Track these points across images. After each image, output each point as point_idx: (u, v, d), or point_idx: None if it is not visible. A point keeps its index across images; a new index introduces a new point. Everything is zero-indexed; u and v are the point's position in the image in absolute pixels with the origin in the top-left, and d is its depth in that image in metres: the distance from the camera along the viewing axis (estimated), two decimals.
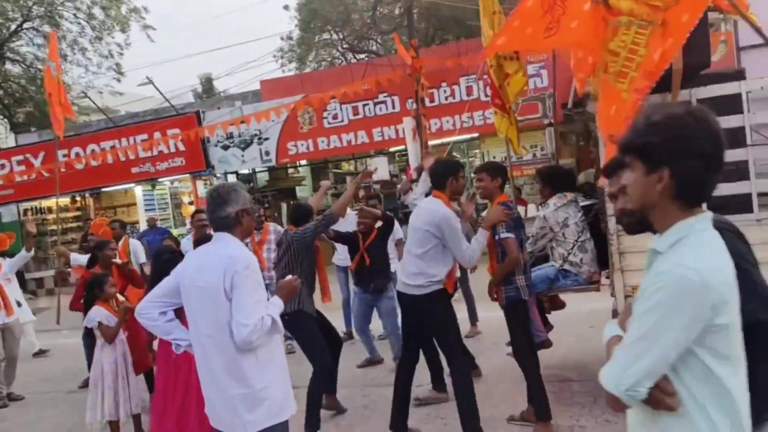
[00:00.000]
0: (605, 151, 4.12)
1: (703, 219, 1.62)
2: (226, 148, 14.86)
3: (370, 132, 13.74)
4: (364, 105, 13.65)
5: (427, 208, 4.43)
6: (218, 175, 14.93)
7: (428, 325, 4.50)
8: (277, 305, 2.86)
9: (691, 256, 1.54)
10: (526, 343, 4.47)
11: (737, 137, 4.19)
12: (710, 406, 1.54)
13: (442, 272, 4.39)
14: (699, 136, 1.56)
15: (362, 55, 23.33)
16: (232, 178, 15.09)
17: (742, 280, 1.61)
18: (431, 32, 22.16)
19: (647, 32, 3.56)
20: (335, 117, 14.01)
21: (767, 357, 1.74)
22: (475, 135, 13.57)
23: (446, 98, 12.99)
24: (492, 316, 4.68)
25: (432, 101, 12.33)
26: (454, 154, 15.21)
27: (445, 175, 4.51)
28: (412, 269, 4.37)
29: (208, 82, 28.18)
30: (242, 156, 14.78)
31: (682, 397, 1.56)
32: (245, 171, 15.44)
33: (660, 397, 1.56)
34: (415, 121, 9.52)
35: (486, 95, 6.97)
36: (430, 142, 11.13)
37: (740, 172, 4.21)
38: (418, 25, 21.20)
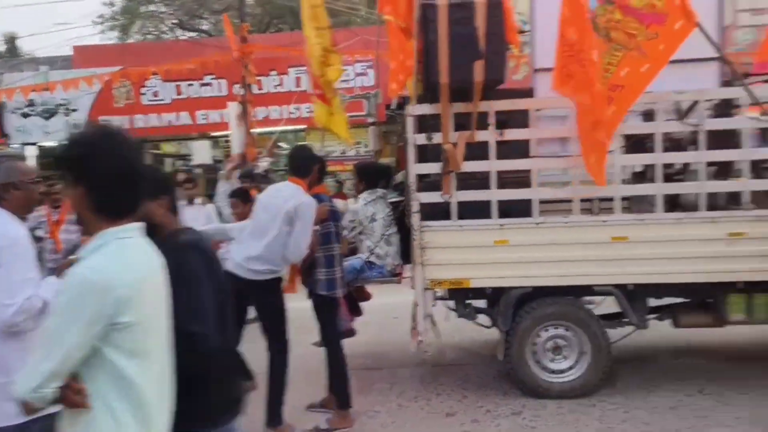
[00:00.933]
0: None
1: (126, 229, 1.73)
2: (26, 116, 13.28)
3: (194, 114, 13.15)
4: (188, 85, 13.02)
5: (287, 191, 4.25)
6: (14, 144, 13.28)
7: (262, 312, 4.37)
8: (53, 286, 2.60)
9: (99, 259, 1.64)
10: (327, 333, 4.55)
11: (524, 149, 4.66)
12: (116, 400, 1.62)
13: (285, 263, 4.31)
14: (107, 156, 1.69)
15: (192, 33, 22.17)
16: (31, 150, 13.49)
17: (180, 294, 1.87)
18: (267, 19, 21.74)
19: (620, 55, 4.08)
20: (156, 94, 13.18)
21: (195, 363, 1.96)
22: (302, 127, 13.56)
23: (275, 87, 12.85)
24: (298, 306, 4.70)
25: (260, 89, 12.13)
26: (280, 144, 15.08)
27: (310, 162, 4.38)
28: (253, 253, 4.18)
29: (10, 41, 24.92)
30: (45, 126, 13.29)
31: (93, 393, 1.62)
32: (49, 143, 13.91)
33: (69, 396, 1.61)
34: (241, 107, 9.25)
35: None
36: (256, 131, 10.91)
37: (524, 180, 4.68)
38: (254, 10, 20.69)
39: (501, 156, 4.63)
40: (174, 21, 22.75)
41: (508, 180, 4.69)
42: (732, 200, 4.65)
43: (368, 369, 5.71)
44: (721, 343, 5.71)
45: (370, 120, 9.42)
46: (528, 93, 5.11)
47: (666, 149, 4.58)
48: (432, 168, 4.75)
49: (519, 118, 4.65)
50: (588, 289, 4.76)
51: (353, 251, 5.37)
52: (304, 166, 4.38)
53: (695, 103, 4.66)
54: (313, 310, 4.58)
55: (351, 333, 5.05)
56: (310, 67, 6.20)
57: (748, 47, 9.65)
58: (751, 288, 4.57)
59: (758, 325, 4.87)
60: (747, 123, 4.53)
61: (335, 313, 4.59)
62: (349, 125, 6.27)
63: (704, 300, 4.85)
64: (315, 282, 4.46)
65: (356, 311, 5.45)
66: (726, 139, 4.56)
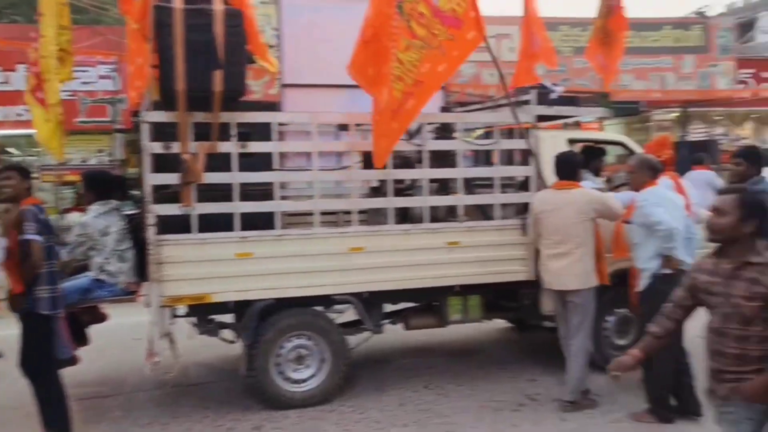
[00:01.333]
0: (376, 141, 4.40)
1: None
2: None
3: None
4: None
5: None
6: None
7: None
8: None
9: None
10: (42, 360, 4.01)
11: (268, 162, 4.65)
12: None
13: None
14: None
15: None
16: None
17: None
18: None
19: (423, 52, 4.22)
20: None
21: None
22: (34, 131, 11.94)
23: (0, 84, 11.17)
24: (14, 333, 4.08)
25: None
26: (9, 149, 13.15)
27: None
28: None
29: None
30: None
31: None
32: None
33: None
34: None
35: None
36: None
37: (267, 193, 4.68)
38: None
39: (244, 168, 4.58)
40: None
41: (251, 192, 4.65)
42: (450, 213, 5.21)
43: (103, 397, 5.18)
44: (444, 341, 6.34)
45: (116, 127, 8.70)
46: (273, 107, 5.14)
47: (396, 166, 4.95)
48: (170, 178, 4.51)
49: (263, 131, 4.64)
50: (329, 299, 4.91)
51: (83, 269, 4.83)
52: None
53: (421, 125, 5.12)
54: (27, 333, 4.01)
55: (74, 361, 4.51)
56: (35, 65, 5.50)
57: (470, 79, 11.11)
58: (465, 291, 5.14)
59: (473, 323, 5.50)
60: (462, 145, 5.11)
61: (55, 337, 4.07)
62: (63, 137, 5.56)
63: (430, 303, 5.33)
64: (35, 301, 3.92)
65: (81, 340, 4.88)
66: (445, 159, 5.10)
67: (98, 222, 4.69)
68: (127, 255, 4.76)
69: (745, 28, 19.58)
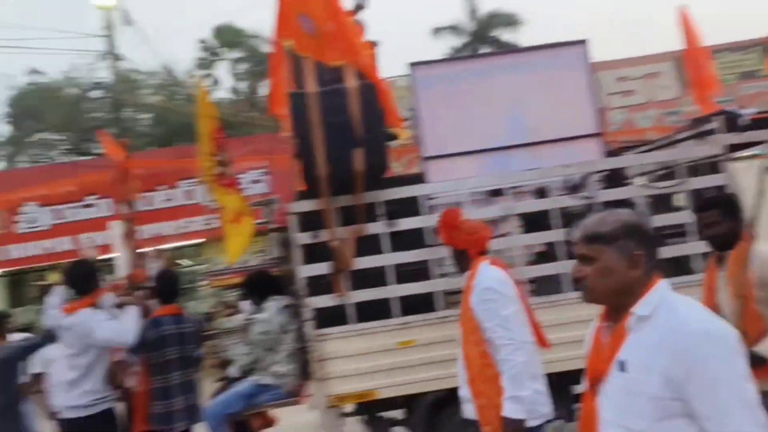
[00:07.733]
0: None
1: None
2: None
3: (77, 238, 11.66)
4: (69, 208, 11.93)
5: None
6: None
7: None
8: None
9: None
10: None
11: (419, 238, 3.94)
12: None
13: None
14: None
15: (89, 156, 17.04)
16: None
17: None
18: (168, 135, 17.98)
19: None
20: (33, 221, 11.92)
21: None
22: (201, 240, 12.32)
23: (165, 202, 12.04)
24: None
25: (149, 205, 11.09)
26: (181, 261, 13.07)
27: (91, 277, 3.78)
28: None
29: None
30: None
31: None
32: None
33: None
34: (125, 225, 5.42)
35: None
36: (148, 249, 6.03)
37: (423, 272, 4.00)
38: (155, 129, 19.03)
39: (397, 248, 3.96)
40: (67, 147, 19.73)
41: (406, 273, 3.98)
42: None
43: None
44: None
45: (271, 227, 5.57)
46: (417, 179, 4.48)
47: (564, 224, 3.97)
48: (322, 268, 3.89)
49: (411, 207, 4.03)
50: None
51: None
52: (83, 282, 3.71)
53: (585, 175, 4.32)
54: None
55: None
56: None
57: (623, 125, 9.84)
58: None
59: None
60: (640, 191, 4.18)
61: None
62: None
63: None
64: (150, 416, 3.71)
65: None
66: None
67: (278, 319, 4.26)
68: (296, 355, 4.12)
69: None
